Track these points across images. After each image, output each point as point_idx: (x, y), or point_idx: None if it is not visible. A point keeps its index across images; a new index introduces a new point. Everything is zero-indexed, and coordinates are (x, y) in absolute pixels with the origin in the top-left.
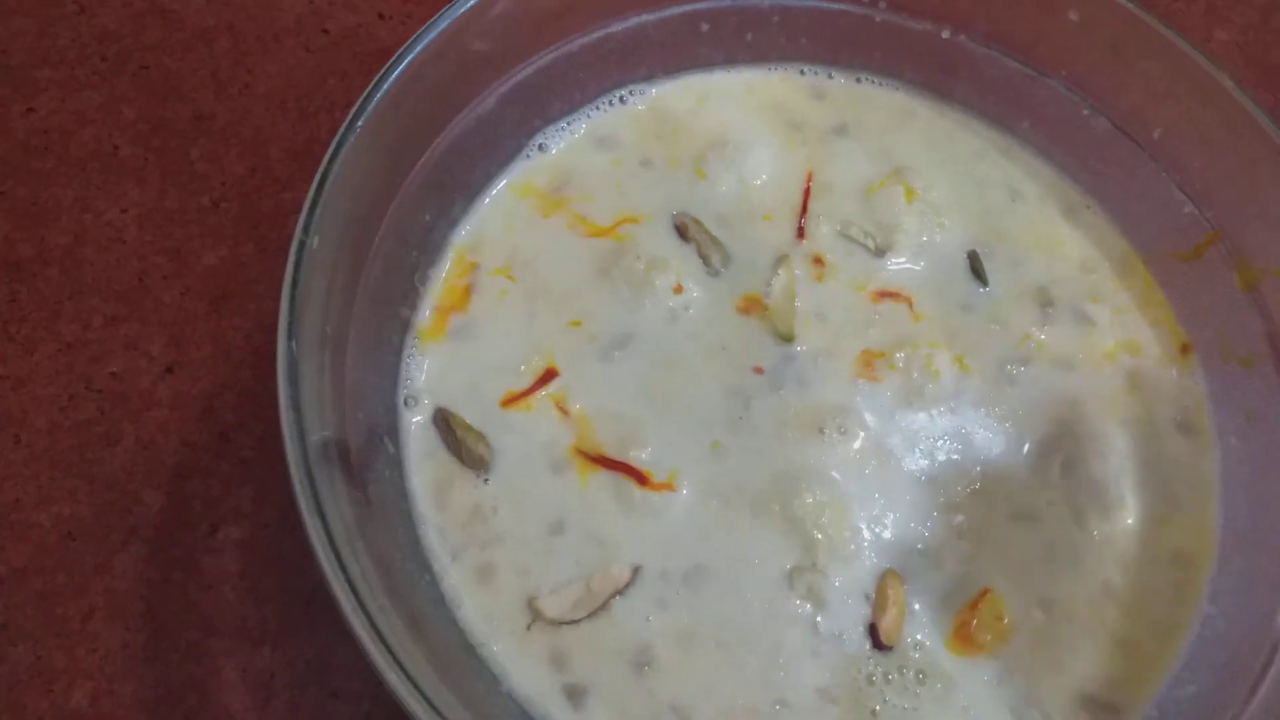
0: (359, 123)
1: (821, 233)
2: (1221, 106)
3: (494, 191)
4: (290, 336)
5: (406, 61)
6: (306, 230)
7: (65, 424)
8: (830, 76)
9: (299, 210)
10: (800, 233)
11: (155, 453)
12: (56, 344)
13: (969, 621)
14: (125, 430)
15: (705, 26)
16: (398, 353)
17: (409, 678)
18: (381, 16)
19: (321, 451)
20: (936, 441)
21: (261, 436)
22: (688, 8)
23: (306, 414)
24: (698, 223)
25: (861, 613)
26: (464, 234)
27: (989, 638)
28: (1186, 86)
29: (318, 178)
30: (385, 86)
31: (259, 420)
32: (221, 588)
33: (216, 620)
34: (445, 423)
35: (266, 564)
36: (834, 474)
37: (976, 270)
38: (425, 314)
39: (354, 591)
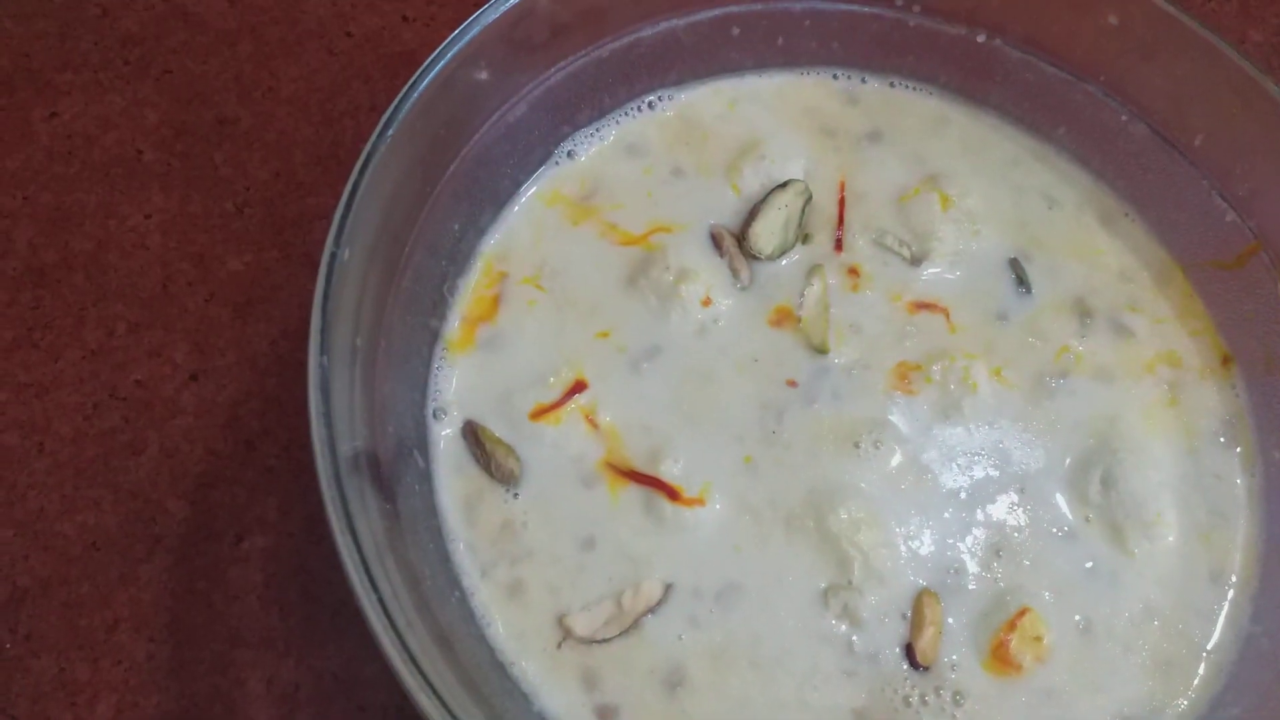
0: (390, 131)
1: (856, 242)
2: (1264, 112)
3: (523, 199)
4: (322, 351)
5: (437, 69)
6: (338, 241)
7: (90, 432)
8: (863, 81)
9: (323, 216)
10: (838, 245)
11: (180, 461)
12: (81, 351)
13: (1007, 641)
14: (150, 438)
15: (736, 30)
16: (426, 364)
17: (439, 698)
18: (405, 19)
19: (352, 465)
20: (974, 456)
21: (287, 445)
22: (718, 11)
23: (337, 428)
24: (733, 235)
25: (898, 632)
26: (493, 243)
27: (1027, 657)
28: (1228, 91)
29: (349, 187)
30: (416, 94)
31: (284, 428)
32: (247, 598)
33: (242, 631)
34: (474, 435)
35: (292, 574)
36: (869, 489)
37: (1020, 278)
38: (454, 324)
39: (384, 609)
